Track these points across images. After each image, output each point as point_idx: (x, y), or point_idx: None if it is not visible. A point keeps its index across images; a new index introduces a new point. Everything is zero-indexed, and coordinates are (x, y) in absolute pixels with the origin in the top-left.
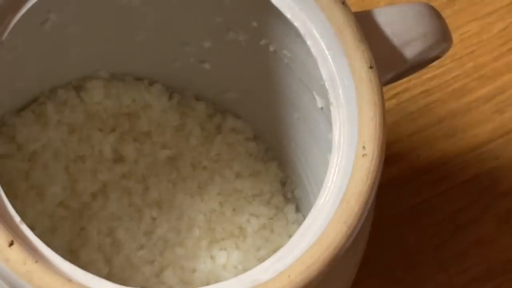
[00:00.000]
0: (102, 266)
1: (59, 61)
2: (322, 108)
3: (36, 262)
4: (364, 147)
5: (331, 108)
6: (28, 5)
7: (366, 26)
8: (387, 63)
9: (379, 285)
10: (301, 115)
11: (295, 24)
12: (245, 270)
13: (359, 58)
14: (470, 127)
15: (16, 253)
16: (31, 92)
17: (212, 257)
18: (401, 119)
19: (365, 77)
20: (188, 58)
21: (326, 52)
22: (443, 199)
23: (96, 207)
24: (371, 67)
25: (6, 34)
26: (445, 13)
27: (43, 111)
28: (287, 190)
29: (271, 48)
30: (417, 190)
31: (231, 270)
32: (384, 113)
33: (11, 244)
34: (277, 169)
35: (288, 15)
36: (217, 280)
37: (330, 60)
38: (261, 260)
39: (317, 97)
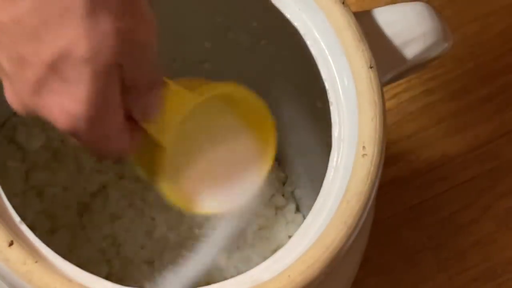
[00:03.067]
0: (102, 266)
1: None
2: (322, 108)
3: (36, 262)
4: (364, 147)
5: (331, 108)
6: None
7: (366, 26)
8: (387, 63)
9: (379, 285)
10: (301, 115)
11: (295, 24)
12: (245, 270)
13: (359, 58)
14: (470, 127)
15: (16, 253)
16: None
17: (212, 257)
18: (401, 119)
19: (365, 77)
20: (188, 58)
21: (326, 52)
22: (443, 199)
23: (96, 207)
24: (371, 67)
25: None
26: (445, 13)
27: None
28: (287, 190)
29: (271, 48)
30: (417, 190)
31: (231, 270)
32: (384, 113)
33: (11, 244)
34: (277, 169)
35: (288, 15)
36: (217, 280)
37: (330, 60)
38: (261, 260)
39: (317, 97)
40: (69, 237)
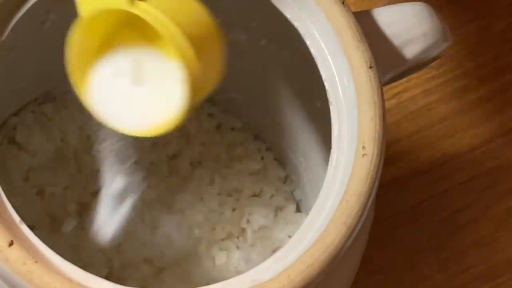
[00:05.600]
0: (102, 266)
1: (59, 60)
2: (321, 108)
3: (36, 262)
4: (364, 147)
5: (331, 108)
6: (28, 5)
7: (366, 26)
8: (387, 63)
9: (379, 285)
10: (300, 115)
11: (295, 24)
12: (245, 270)
13: (359, 58)
14: (470, 127)
15: (16, 253)
16: (31, 92)
17: (212, 257)
18: (401, 119)
19: (365, 77)
20: None
21: (326, 52)
22: (443, 199)
23: (96, 207)
24: (371, 67)
25: (6, 33)
26: (445, 13)
27: (43, 111)
28: (287, 190)
29: (271, 48)
30: (417, 190)
31: (231, 270)
32: (384, 113)
33: (11, 244)
34: (277, 169)
35: (288, 15)
36: (217, 280)
37: (330, 60)
38: (261, 260)
39: (316, 97)
40: (69, 237)
